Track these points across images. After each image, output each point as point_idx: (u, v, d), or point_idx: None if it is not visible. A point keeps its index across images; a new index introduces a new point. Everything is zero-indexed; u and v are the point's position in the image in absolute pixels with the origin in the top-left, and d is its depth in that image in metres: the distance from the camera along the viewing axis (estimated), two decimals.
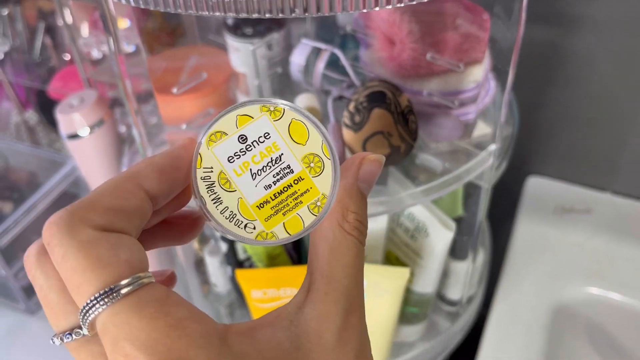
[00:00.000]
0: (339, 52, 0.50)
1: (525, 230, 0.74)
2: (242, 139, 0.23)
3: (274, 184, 0.23)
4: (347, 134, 0.43)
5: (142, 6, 0.33)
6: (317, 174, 0.23)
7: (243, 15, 0.30)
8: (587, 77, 0.68)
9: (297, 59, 0.51)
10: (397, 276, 0.49)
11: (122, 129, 0.72)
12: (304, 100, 0.50)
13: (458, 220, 0.56)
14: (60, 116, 0.60)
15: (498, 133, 0.45)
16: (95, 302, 0.19)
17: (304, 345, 0.20)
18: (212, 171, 0.23)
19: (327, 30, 0.57)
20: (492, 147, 0.46)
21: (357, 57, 0.54)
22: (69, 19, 0.66)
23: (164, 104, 0.55)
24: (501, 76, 0.46)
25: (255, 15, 0.31)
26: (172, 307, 0.19)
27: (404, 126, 0.42)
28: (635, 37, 0.62)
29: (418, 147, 0.49)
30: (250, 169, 0.23)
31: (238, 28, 0.52)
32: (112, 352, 0.19)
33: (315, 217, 0.23)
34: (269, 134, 0.23)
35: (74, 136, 0.61)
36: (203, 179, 0.23)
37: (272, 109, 0.23)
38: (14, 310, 0.71)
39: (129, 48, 0.68)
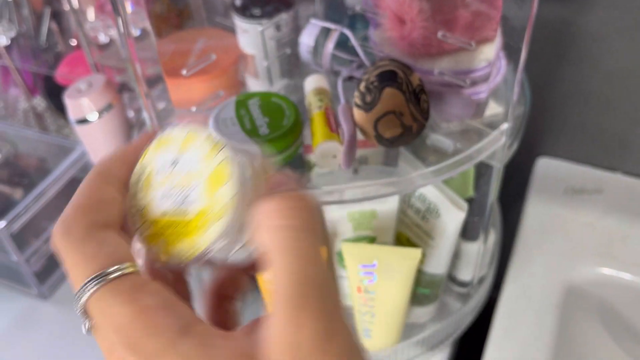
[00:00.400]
0: (348, 32, 0.49)
1: (536, 211, 0.73)
2: (174, 160, 0.24)
3: (170, 211, 0.24)
4: (358, 114, 0.42)
5: None
6: (206, 227, 0.23)
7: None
8: (599, 55, 0.67)
9: (306, 39, 0.51)
10: (409, 257, 0.49)
11: (131, 113, 0.72)
12: (313, 81, 0.49)
13: (469, 201, 0.56)
14: (68, 101, 0.60)
15: (510, 112, 0.44)
16: (82, 290, 0.21)
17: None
18: (144, 169, 0.25)
19: (335, 10, 0.56)
20: (505, 126, 0.45)
21: (367, 37, 0.53)
22: (75, 3, 0.65)
23: (173, 87, 0.55)
24: (513, 54, 0.45)
25: None
26: (144, 294, 0.21)
27: (415, 105, 0.41)
28: None
29: (429, 127, 0.48)
30: (165, 187, 0.24)
31: (246, 9, 0.51)
32: (95, 335, 0.21)
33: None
34: (196, 166, 0.24)
35: (83, 121, 0.61)
36: (136, 172, 0.25)
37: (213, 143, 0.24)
38: (27, 295, 0.72)
39: (135, 32, 0.67)
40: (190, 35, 0.61)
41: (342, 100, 0.46)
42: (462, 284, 0.61)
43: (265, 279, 0.21)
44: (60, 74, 0.76)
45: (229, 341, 0.20)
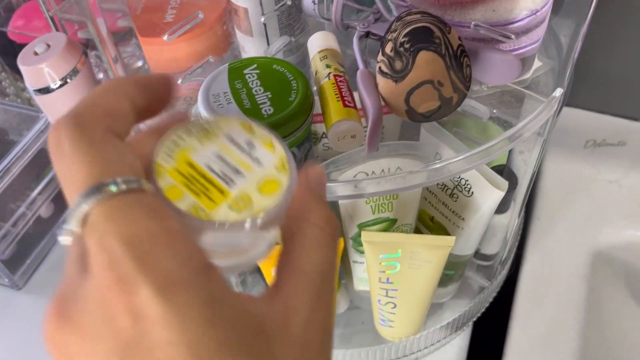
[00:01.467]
0: None
1: (556, 168, 0.67)
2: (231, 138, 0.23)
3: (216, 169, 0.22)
4: (385, 85, 0.34)
5: None
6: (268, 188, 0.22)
7: None
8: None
9: None
10: (440, 245, 0.42)
11: (100, 75, 0.63)
12: (318, 40, 0.41)
13: (500, 171, 0.49)
14: (23, 68, 0.50)
15: (568, 72, 0.36)
16: (95, 190, 0.18)
17: (267, 331, 0.19)
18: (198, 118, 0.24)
19: None
20: (559, 91, 0.37)
21: None
22: None
23: (150, 48, 0.46)
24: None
25: None
26: (168, 216, 0.19)
27: (457, 72, 0.33)
28: None
29: None
30: (217, 150, 0.23)
31: None
32: (97, 249, 0.18)
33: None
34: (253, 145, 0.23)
35: (43, 90, 0.51)
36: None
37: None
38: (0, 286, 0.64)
39: None
40: None
41: (361, 64, 0.38)
42: (485, 258, 0.55)
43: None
44: (13, 30, 0.66)
45: (237, 304, 0.19)
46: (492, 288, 0.55)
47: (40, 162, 0.65)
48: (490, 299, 0.57)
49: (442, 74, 0.33)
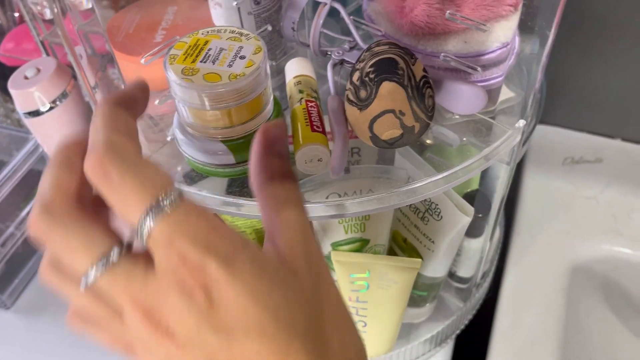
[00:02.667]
0: (339, 6, 0.42)
1: (534, 185, 0.69)
2: None
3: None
4: (351, 112, 0.36)
5: None
6: None
7: None
8: (600, 19, 0.62)
9: (291, 14, 0.44)
10: (407, 267, 0.44)
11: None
12: (293, 66, 0.43)
13: (473, 196, 0.50)
14: (14, 92, 0.51)
15: (530, 104, 0.38)
16: (152, 210, 0.23)
17: (288, 266, 0.25)
18: None
19: None
20: (521, 123, 0.39)
21: (360, 10, 0.46)
22: None
23: (133, 68, 0.48)
24: (531, 33, 0.39)
25: None
26: (208, 213, 0.24)
27: (419, 103, 0.35)
28: None
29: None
30: None
31: None
32: (167, 252, 0.23)
33: None
34: None
35: (33, 113, 0.53)
36: None
37: None
38: None
39: (88, 3, 0.58)
40: (160, 2, 0.53)
41: (333, 90, 0.40)
42: (462, 281, 0.57)
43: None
44: (4, 53, 0.68)
45: (266, 253, 0.26)
46: (467, 309, 0.56)
47: (30, 183, 0.67)
48: (466, 321, 0.58)
49: (404, 104, 0.35)
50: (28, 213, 0.67)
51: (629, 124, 0.72)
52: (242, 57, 0.35)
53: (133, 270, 0.24)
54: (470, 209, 0.44)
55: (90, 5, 0.56)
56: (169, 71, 0.35)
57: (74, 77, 0.57)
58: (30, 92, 0.52)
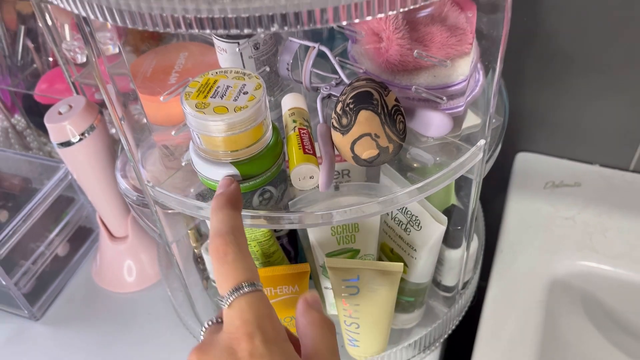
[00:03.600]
0: (326, 49, 0.49)
1: (517, 207, 0.75)
2: None
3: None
4: (336, 137, 0.43)
5: (120, 24, 0.32)
6: None
7: (221, 31, 0.30)
8: (570, 53, 0.68)
9: (285, 57, 0.51)
10: (391, 271, 0.49)
11: (113, 130, 0.71)
12: (288, 100, 0.49)
13: (451, 210, 0.56)
14: (49, 125, 0.59)
15: (487, 126, 0.45)
16: (238, 289, 0.33)
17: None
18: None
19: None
20: (482, 142, 0.46)
21: (345, 52, 0.54)
22: (49, 22, 0.64)
23: (153, 106, 0.54)
24: (489, 67, 0.46)
25: (234, 31, 0.30)
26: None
27: (391, 127, 0.42)
28: (620, 10, 0.62)
29: (409, 141, 0.49)
30: None
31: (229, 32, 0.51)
32: (237, 318, 0.32)
33: None
34: None
35: (65, 144, 0.61)
36: None
37: None
38: (18, 317, 0.72)
39: (114, 49, 0.66)
40: (172, 50, 0.60)
41: (321, 119, 0.47)
42: (447, 289, 0.62)
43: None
44: (39, 92, 0.76)
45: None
46: (452, 315, 0.61)
47: (59, 207, 0.74)
48: (453, 326, 0.63)
49: (378, 128, 0.41)
50: (57, 235, 0.74)
51: (605, 150, 0.78)
52: (245, 93, 0.42)
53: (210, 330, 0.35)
54: (444, 218, 0.50)
55: (117, 51, 0.64)
56: (185, 105, 0.41)
57: (101, 112, 0.64)
58: (63, 125, 0.59)
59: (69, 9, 0.33)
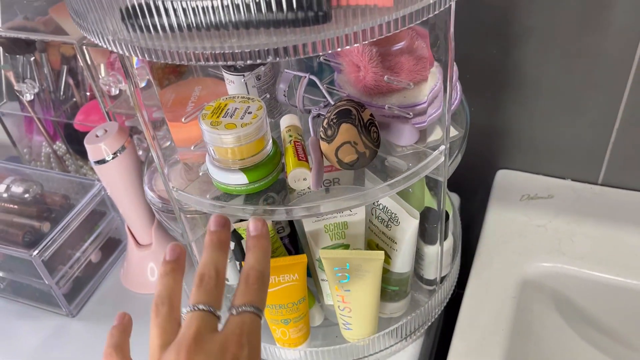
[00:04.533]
0: (315, 78, 0.59)
1: (496, 217, 0.83)
2: None
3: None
4: (323, 145, 0.52)
5: (149, 59, 0.42)
6: None
7: (230, 62, 0.40)
8: (536, 79, 0.77)
9: (282, 85, 0.61)
10: (374, 258, 0.58)
11: (140, 152, 0.82)
12: (285, 120, 0.58)
13: (428, 211, 0.65)
14: (88, 146, 0.70)
15: (445, 136, 0.54)
16: (254, 308, 0.41)
17: None
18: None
19: (307, 59, 0.66)
20: (442, 147, 0.55)
21: (333, 81, 0.64)
22: (89, 61, 0.76)
23: (174, 129, 0.65)
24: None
25: (239, 63, 0.40)
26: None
27: (366, 136, 0.51)
28: (577, 41, 0.71)
29: (387, 151, 0.58)
30: None
31: (231, 65, 0.61)
32: (239, 334, 0.38)
33: None
34: None
35: (101, 161, 0.71)
36: None
37: None
38: (57, 315, 0.80)
39: (141, 83, 0.78)
40: (189, 84, 0.70)
41: (312, 134, 0.56)
42: (429, 282, 0.70)
43: None
44: (77, 122, 0.87)
45: None
46: (432, 304, 0.69)
47: (92, 219, 0.83)
48: (434, 315, 0.70)
49: (356, 137, 0.50)
50: (90, 243, 0.83)
51: (576, 166, 0.86)
52: (250, 112, 0.51)
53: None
54: (417, 213, 0.59)
55: (144, 84, 0.75)
56: (202, 124, 0.51)
57: (130, 136, 0.75)
58: (99, 146, 0.70)
59: (111, 48, 0.43)
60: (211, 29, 0.38)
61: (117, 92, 0.78)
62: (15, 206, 0.81)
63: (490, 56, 0.77)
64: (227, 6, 0.37)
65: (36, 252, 0.73)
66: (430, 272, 0.69)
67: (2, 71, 0.89)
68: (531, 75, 0.77)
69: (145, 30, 0.39)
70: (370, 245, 0.65)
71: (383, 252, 0.58)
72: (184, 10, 0.37)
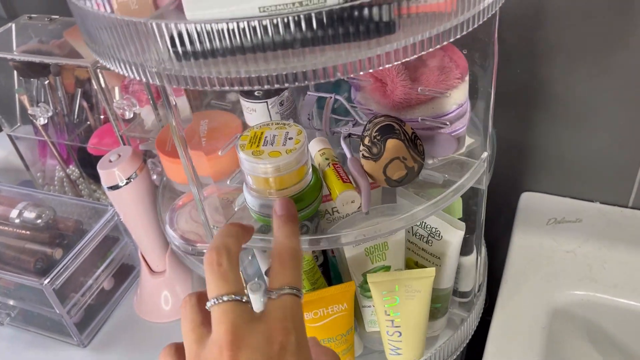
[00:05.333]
0: (341, 98, 0.55)
1: (522, 242, 0.77)
2: None
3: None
4: (368, 164, 0.47)
5: (193, 87, 0.36)
6: None
7: (257, 87, 0.34)
8: (563, 100, 0.74)
9: (306, 109, 0.56)
10: (425, 275, 0.54)
11: (154, 176, 0.80)
12: (316, 144, 0.53)
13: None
14: (101, 171, 0.64)
15: (488, 142, 0.50)
16: (293, 289, 0.35)
17: None
18: None
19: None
20: (485, 154, 0.51)
21: (349, 98, 0.60)
22: (103, 85, 0.74)
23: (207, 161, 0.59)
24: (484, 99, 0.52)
25: (266, 87, 0.35)
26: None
27: (414, 149, 0.46)
28: (605, 58, 0.66)
29: None
30: None
31: (252, 92, 0.56)
32: (282, 319, 0.34)
33: None
34: None
35: (114, 187, 0.66)
36: None
37: None
38: (68, 344, 0.74)
39: (127, 115, 0.75)
40: (195, 117, 0.65)
41: (349, 154, 0.51)
42: (464, 295, 0.65)
43: None
44: (91, 146, 0.81)
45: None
46: (472, 319, 0.63)
47: (105, 246, 0.76)
48: (472, 331, 0.64)
49: (405, 152, 0.46)
50: (103, 270, 0.78)
51: (605, 188, 0.82)
52: (290, 138, 0.45)
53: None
54: (462, 224, 0.54)
55: (131, 116, 0.72)
56: (242, 154, 0.44)
57: (144, 160, 0.72)
58: (112, 171, 0.65)
59: (152, 80, 0.36)
60: (276, 49, 0.33)
61: (132, 115, 0.76)
62: (28, 232, 0.77)
63: (515, 75, 0.74)
64: (288, 24, 0.32)
65: (47, 280, 0.68)
66: (466, 283, 0.63)
67: (17, 95, 0.87)
68: (558, 93, 0.72)
69: (195, 57, 0.34)
70: (409, 264, 0.59)
71: (434, 268, 0.53)
72: (242, 30, 0.32)
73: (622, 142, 0.73)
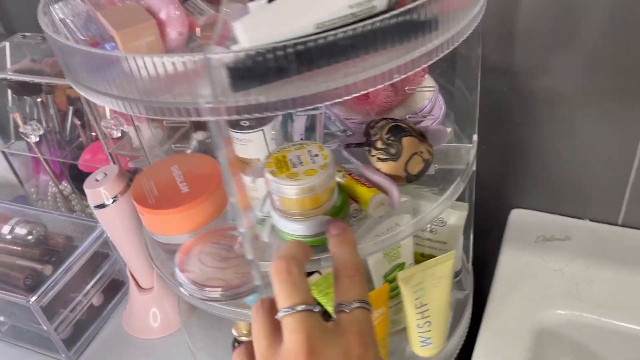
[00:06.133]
0: (330, 113, 0.52)
1: (509, 259, 0.75)
2: None
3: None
4: (387, 165, 0.46)
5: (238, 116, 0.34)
6: None
7: (246, 116, 0.32)
8: (551, 117, 0.73)
9: (298, 129, 0.55)
10: (446, 259, 0.54)
11: None
12: None
13: None
14: (87, 190, 0.60)
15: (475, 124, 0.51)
16: (364, 303, 0.35)
17: None
18: None
19: None
20: (475, 137, 0.53)
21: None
22: (92, 104, 0.74)
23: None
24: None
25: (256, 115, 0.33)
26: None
27: (425, 142, 0.46)
28: (590, 77, 0.65)
29: None
30: None
31: (243, 123, 0.53)
32: (357, 333, 0.33)
33: None
34: None
35: (101, 206, 0.64)
36: None
37: None
38: None
39: (115, 134, 0.75)
40: (160, 165, 0.62)
41: (356, 163, 0.50)
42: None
43: None
44: (82, 162, 0.79)
45: None
46: (463, 299, 0.64)
47: (95, 262, 0.73)
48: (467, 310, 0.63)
49: (420, 146, 0.46)
50: (92, 286, 0.74)
51: (595, 206, 0.80)
52: (316, 155, 0.43)
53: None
54: (463, 204, 0.53)
55: (118, 135, 0.72)
56: (278, 180, 0.42)
57: (131, 179, 0.73)
58: (99, 190, 0.64)
59: (199, 117, 0.34)
60: (330, 64, 0.32)
61: (120, 134, 0.76)
62: (19, 248, 0.73)
63: (502, 92, 0.74)
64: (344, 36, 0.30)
65: (34, 298, 0.63)
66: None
67: (10, 112, 0.88)
68: (546, 112, 0.73)
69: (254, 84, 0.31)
70: (416, 257, 0.58)
71: (453, 252, 0.53)
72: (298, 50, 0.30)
73: (610, 160, 0.72)
